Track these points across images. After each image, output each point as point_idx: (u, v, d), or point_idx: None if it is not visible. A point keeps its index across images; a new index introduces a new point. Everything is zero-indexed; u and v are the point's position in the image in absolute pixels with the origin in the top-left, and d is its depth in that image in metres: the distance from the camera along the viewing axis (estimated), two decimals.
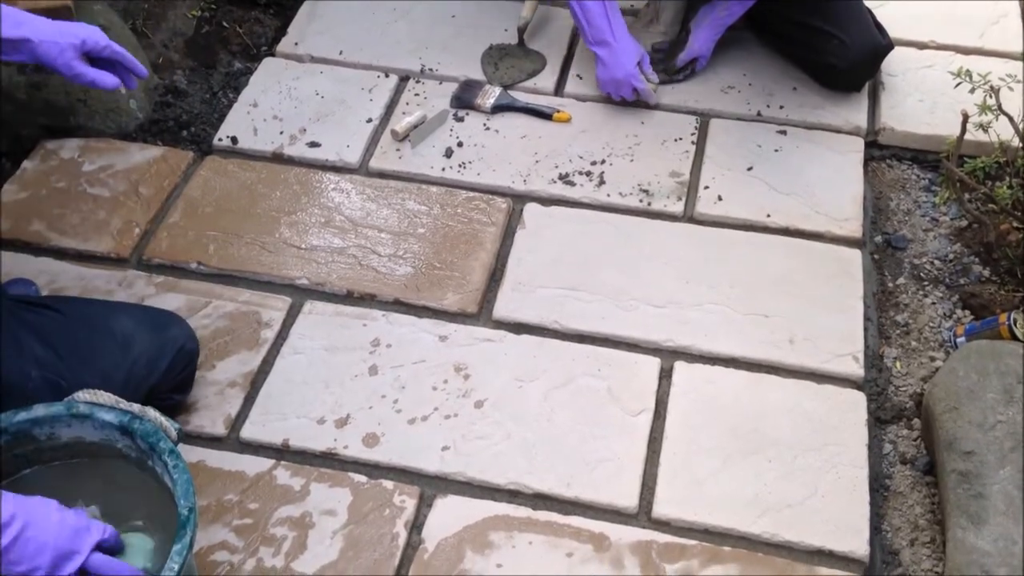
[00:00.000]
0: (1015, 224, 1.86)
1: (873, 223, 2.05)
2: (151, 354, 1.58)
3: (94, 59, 1.51)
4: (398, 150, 2.15)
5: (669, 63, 2.24)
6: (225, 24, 2.51)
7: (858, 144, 2.16)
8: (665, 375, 1.77)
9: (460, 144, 2.16)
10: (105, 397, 1.41)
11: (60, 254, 1.96)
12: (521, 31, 2.37)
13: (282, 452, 1.68)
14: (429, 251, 1.96)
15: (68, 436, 1.41)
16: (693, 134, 2.17)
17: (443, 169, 2.11)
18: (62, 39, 1.44)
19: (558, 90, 2.30)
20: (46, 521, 1.19)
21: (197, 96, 2.30)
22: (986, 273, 1.92)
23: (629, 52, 2.13)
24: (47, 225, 2.00)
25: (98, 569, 1.22)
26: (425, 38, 2.41)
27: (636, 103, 2.23)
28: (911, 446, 1.69)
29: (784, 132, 2.17)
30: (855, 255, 1.95)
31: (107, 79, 1.49)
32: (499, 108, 2.23)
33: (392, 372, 1.77)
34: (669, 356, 1.80)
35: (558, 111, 2.21)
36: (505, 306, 1.87)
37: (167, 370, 1.60)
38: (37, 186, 2.08)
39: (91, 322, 1.57)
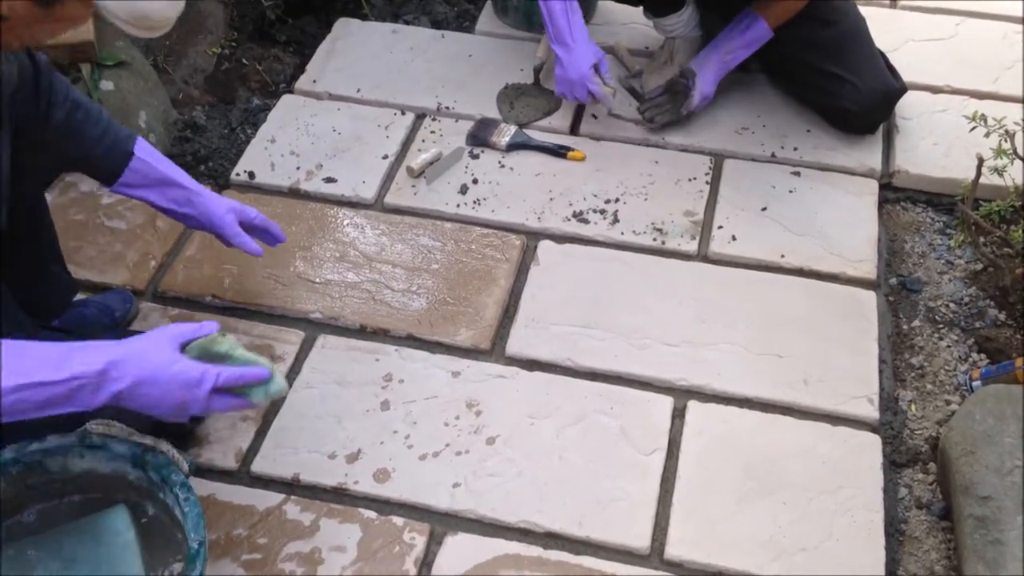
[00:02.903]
0: None
1: (888, 265, 2.04)
2: None
3: (247, 227, 1.78)
4: (413, 186, 2.17)
5: (683, 110, 2.22)
6: (245, 61, 2.54)
7: (872, 186, 2.16)
8: (678, 414, 1.76)
9: (475, 181, 2.18)
10: (118, 428, 1.41)
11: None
12: (537, 71, 2.39)
13: (292, 487, 1.67)
14: (443, 287, 1.97)
15: (80, 467, 1.41)
16: (707, 174, 2.18)
17: (458, 206, 2.12)
18: (224, 203, 1.73)
19: (573, 129, 2.32)
20: (155, 376, 1.28)
21: (216, 131, 2.33)
22: (1002, 317, 1.91)
23: (585, 55, 2.16)
24: (64, 257, 2.01)
25: (213, 410, 1.36)
26: (442, 77, 2.44)
27: (647, 142, 2.25)
28: (927, 490, 1.67)
29: (798, 173, 2.18)
30: (870, 297, 1.94)
31: (253, 246, 1.76)
32: (514, 146, 2.24)
33: (404, 407, 1.77)
34: (682, 395, 1.79)
35: (572, 150, 2.23)
36: (518, 343, 1.87)
37: None
38: (55, 218, 2.08)
39: None
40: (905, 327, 1.93)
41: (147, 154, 1.67)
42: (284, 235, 1.87)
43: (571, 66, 2.16)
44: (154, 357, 1.30)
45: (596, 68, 2.17)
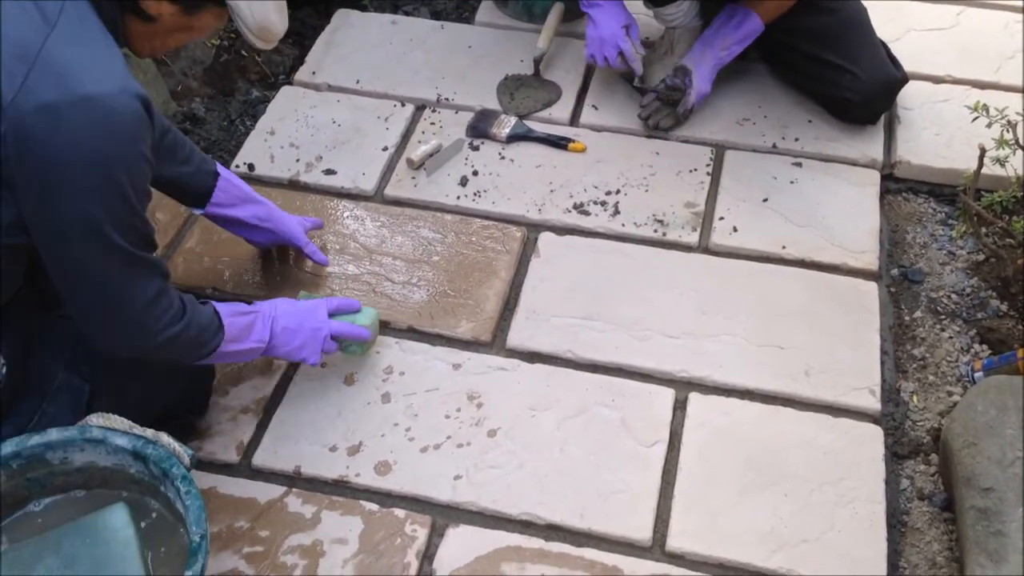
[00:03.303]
0: None
1: (889, 256, 2.04)
2: (166, 374, 1.59)
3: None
4: (413, 178, 2.16)
5: (681, 111, 2.21)
6: (244, 53, 2.53)
7: (874, 177, 2.15)
8: (679, 406, 1.76)
9: (475, 173, 2.17)
10: (118, 422, 1.40)
11: None
12: (537, 61, 2.38)
13: (294, 479, 1.67)
14: (443, 279, 1.96)
15: (81, 461, 1.40)
16: (708, 165, 2.18)
17: (458, 197, 2.12)
18: (291, 216, 1.93)
19: (573, 120, 2.31)
20: (289, 310, 1.63)
21: (215, 123, 2.32)
22: (1004, 308, 1.90)
23: (618, 14, 2.18)
24: None
25: (337, 332, 1.68)
26: (441, 68, 2.43)
27: (648, 134, 2.24)
28: (928, 482, 1.67)
29: (799, 164, 2.17)
30: (871, 288, 1.94)
31: (321, 256, 1.94)
32: (514, 137, 2.24)
33: (405, 400, 1.77)
34: (684, 387, 1.79)
35: (573, 141, 2.22)
36: (519, 335, 1.87)
37: (183, 393, 1.61)
38: None
39: None
40: (907, 318, 1.92)
41: (227, 173, 1.80)
42: (321, 221, 2.03)
43: (603, 23, 2.17)
44: (283, 300, 1.66)
45: (626, 30, 2.18)
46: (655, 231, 2.04)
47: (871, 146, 2.21)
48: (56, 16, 1.25)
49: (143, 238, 1.37)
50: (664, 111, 2.24)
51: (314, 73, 2.42)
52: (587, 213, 2.08)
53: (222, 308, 1.54)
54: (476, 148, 2.23)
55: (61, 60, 1.22)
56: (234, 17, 1.40)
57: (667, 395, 1.77)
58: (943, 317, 1.91)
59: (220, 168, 1.78)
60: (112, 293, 1.35)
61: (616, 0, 2.18)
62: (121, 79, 1.27)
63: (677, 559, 1.57)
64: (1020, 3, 2.57)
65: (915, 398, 1.79)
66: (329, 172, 2.18)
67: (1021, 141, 1.80)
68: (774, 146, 2.22)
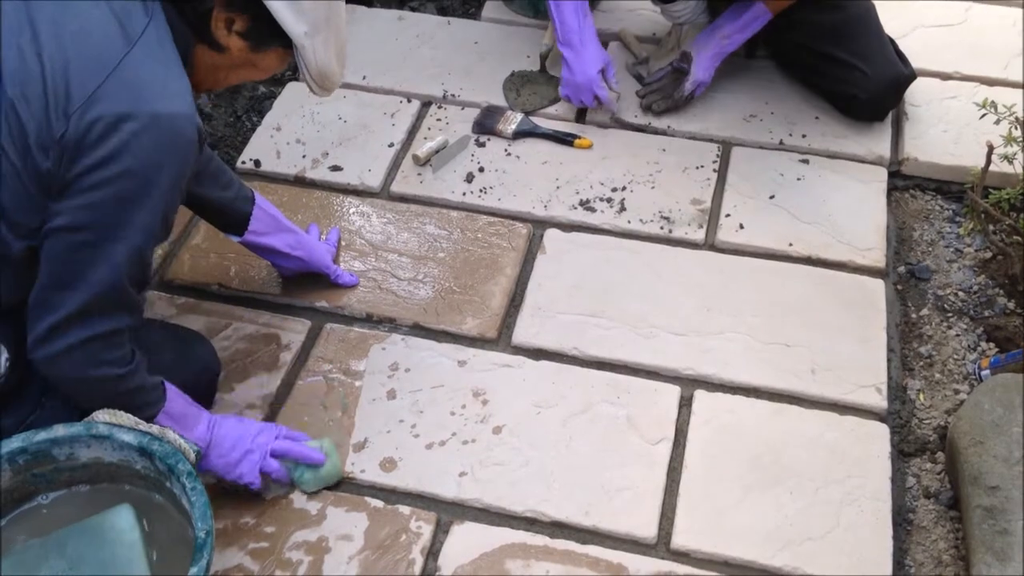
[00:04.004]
0: None
1: (896, 253, 2.03)
2: (173, 370, 1.59)
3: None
4: (419, 175, 2.16)
5: (676, 95, 2.23)
6: None
7: (881, 174, 2.15)
8: (685, 404, 1.76)
9: (481, 169, 2.17)
10: (124, 418, 1.41)
11: None
12: (543, 58, 2.38)
13: None
14: (449, 275, 1.96)
15: (87, 457, 1.41)
16: (715, 162, 2.17)
17: (464, 194, 2.12)
18: (321, 243, 1.93)
19: (579, 117, 2.31)
20: (234, 423, 1.56)
21: (221, 119, 2.32)
22: (1011, 305, 1.90)
23: (593, 59, 2.15)
24: None
25: (280, 451, 1.57)
26: (447, 64, 2.43)
27: (654, 130, 2.23)
28: (935, 480, 1.67)
29: (807, 161, 2.17)
30: (878, 285, 1.93)
31: (348, 278, 1.93)
32: (520, 134, 2.23)
33: (410, 396, 1.77)
34: (689, 384, 1.78)
35: (579, 137, 2.22)
36: (524, 331, 1.87)
37: (189, 388, 1.61)
38: None
39: None
40: (914, 316, 1.92)
41: (261, 201, 1.79)
42: (338, 231, 2.03)
43: (579, 70, 2.15)
44: (230, 416, 1.59)
45: (603, 72, 2.16)
46: (661, 228, 2.04)
47: (878, 143, 2.20)
48: (138, 36, 1.29)
49: (143, 272, 1.37)
50: (660, 94, 2.23)
51: None
52: (593, 210, 2.08)
53: (173, 388, 1.49)
54: (482, 144, 2.23)
55: (136, 75, 1.26)
56: (298, 60, 1.42)
57: (673, 392, 1.77)
58: (950, 315, 1.90)
59: (256, 194, 1.79)
60: (84, 309, 1.32)
61: (592, 41, 2.15)
62: (188, 103, 1.31)
63: (682, 557, 1.56)
64: None
65: (921, 396, 1.78)
66: (335, 168, 2.18)
67: None
68: (781, 143, 2.21)
